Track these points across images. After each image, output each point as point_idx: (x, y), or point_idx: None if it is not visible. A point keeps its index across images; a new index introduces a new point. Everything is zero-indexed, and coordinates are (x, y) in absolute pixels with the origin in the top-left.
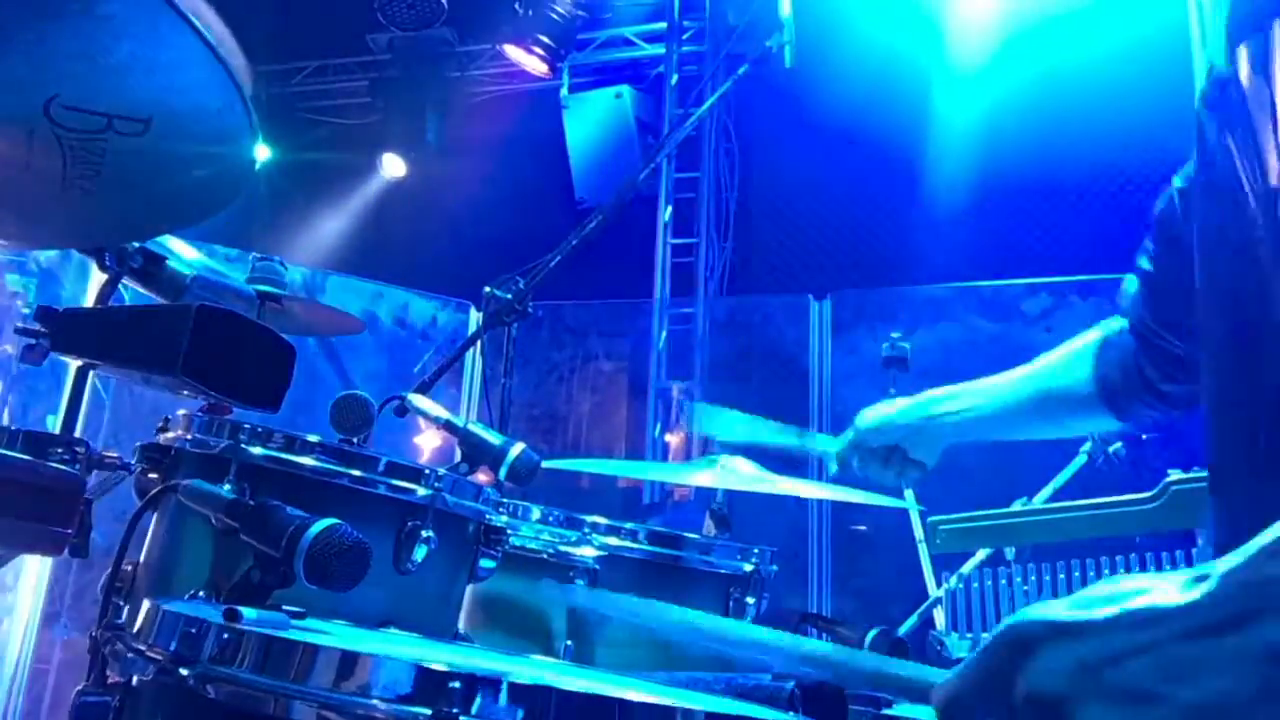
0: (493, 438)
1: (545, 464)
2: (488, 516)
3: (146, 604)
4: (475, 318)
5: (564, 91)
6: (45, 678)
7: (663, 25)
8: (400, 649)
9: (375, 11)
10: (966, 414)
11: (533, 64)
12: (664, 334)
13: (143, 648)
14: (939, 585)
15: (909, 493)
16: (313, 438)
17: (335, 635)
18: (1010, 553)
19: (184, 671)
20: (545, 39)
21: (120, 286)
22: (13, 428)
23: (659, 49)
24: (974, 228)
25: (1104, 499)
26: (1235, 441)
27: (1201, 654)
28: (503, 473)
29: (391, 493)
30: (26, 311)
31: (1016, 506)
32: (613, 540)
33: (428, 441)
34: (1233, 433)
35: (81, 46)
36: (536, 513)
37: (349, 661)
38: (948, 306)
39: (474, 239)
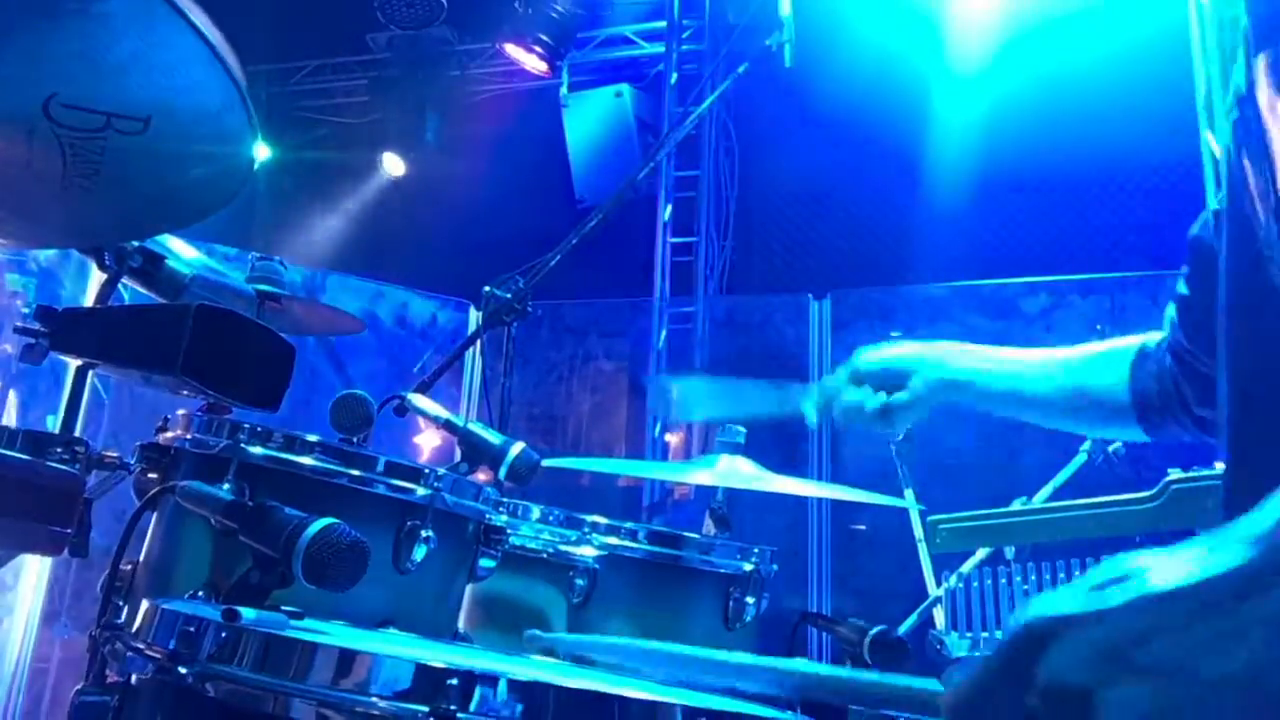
0: (492, 437)
1: (545, 463)
2: (487, 516)
3: (145, 603)
4: (475, 317)
5: (564, 90)
6: (45, 677)
7: (662, 24)
8: (399, 648)
9: (375, 11)
10: (983, 378)
11: (532, 63)
12: (664, 333)
13: (142, 646)
14: (939, 585)
15: (909, 493)
16: (312, 437)
17: (334, 635)
18: (1010, 552)
19: (183, 670)
20: (545, 37)
21: (120, 286)
22: (13, 427)
23: (659, 48)
24: (974, 227)
25: (1104, 498)
26: (1256, 458)
27: (1224, 625)
28: (502, 472)
29: (391, 492)
30: (26, 311)
31: (1016, 506)
32: (613, 540)
33: (427, 441)
34: (1254, 449)
35: (81, 45)
36: (536, 512)
37: (348, 659)
38: (947, 306)
39: (474, 238)
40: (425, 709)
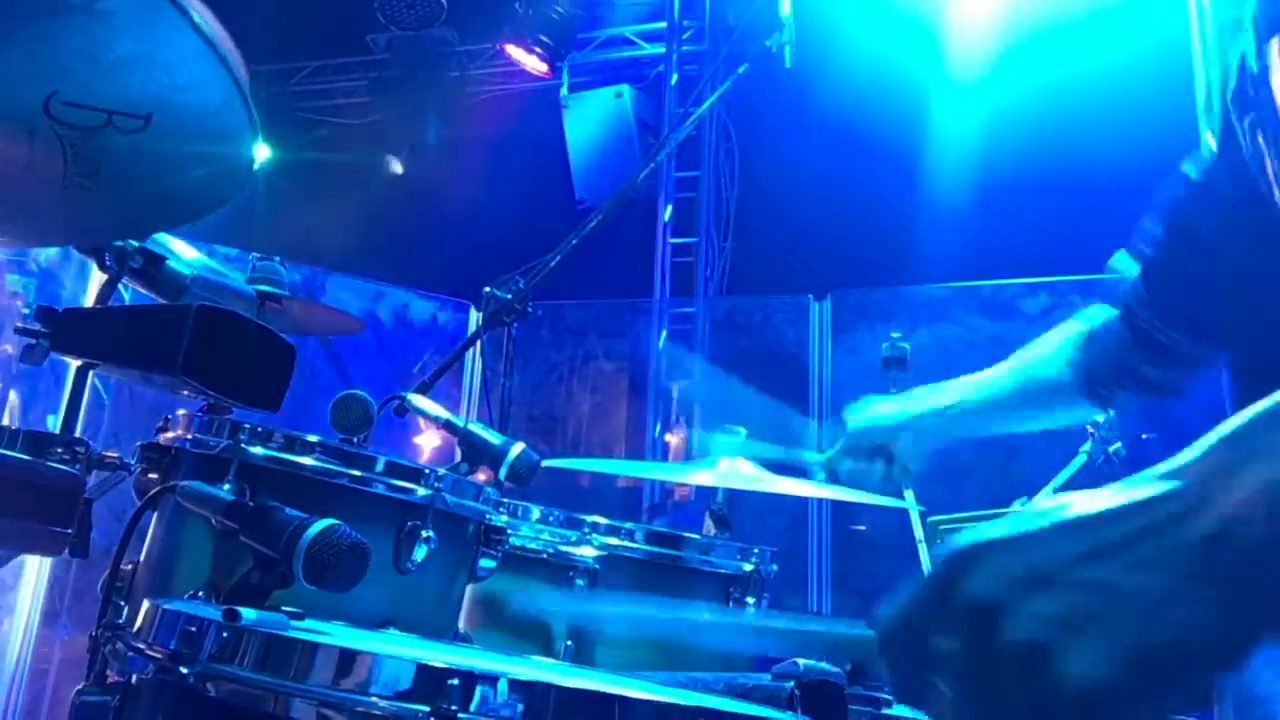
0: (493, 438)
1: (545, 464)
2: (488, 516)
3: (146, 603)
4: (475, 318)
5: (564, 91)
6: (45, 677)
7: (663, 25)
8: (400, 648)
9: (375, 11)
10: (953, 408)
11: (533, 63)
12: (664, 334)
13: (142, 646)
14: None
15: (909, 493)
16: (313, 438)
17: (334, 636)
18: None
19: (184, 670)
20: (545, 38)
21: (120, 286)
22: (13, 428)
23: (659, 48)
24: (974, 228)
25: None
26: None
27: (1138, 551)
28: (503, 473)
29: (391, 492)
30: (26, 311)
31: (1016, 506)
32: (613, 540)
33: (428, 441)
34: None
35: (82, 43)
36: (536, 513)
37: (348, 659)
38: (947, 306)
39: (474, 239)
40: (426, 709)
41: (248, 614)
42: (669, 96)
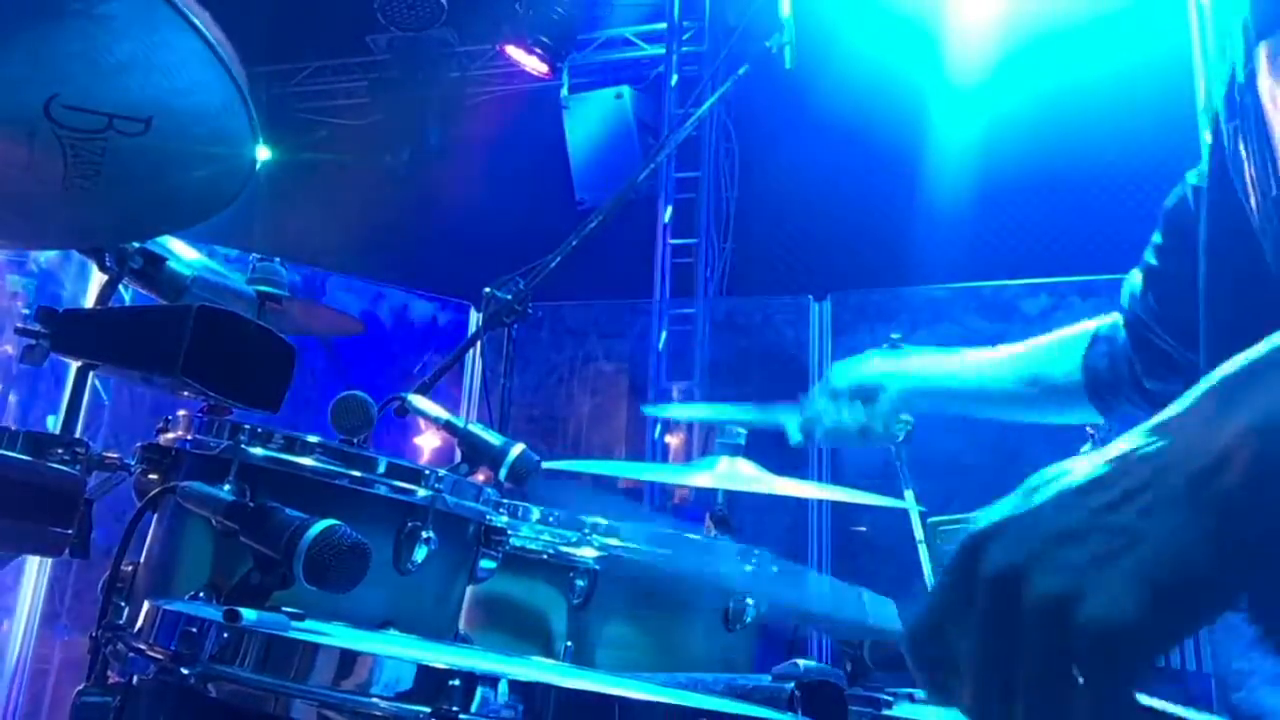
0: (493, 438)
1: (545, 465)
2: (488, 517)
3: (147, 604)
4: (475, 318)
5: (564, 92)
6: (45, 678)
7: (663, 26)
8: (400, 649)
9: (375, 12)
10: (948, 379)
11: (533, 64)
12: (664, 334)
13: (143, 647)
14: None
15: (909, 493)
16: (313, 438)
17: (335, 636)
18: None
19: (185, 671)
20: (545, 39)
21: (120, 287)
22: (13, 428)
23: (659, 49)
24: (974, 228)
25: None
26: None
27: (1137, 504)
28: (503, 473)
29: (392, 493)
30: (26, 312)
31: None
32: (613, 540)
33: (428, 442)
34: None
35: (82, 46)
36: (536, 513)
37: (349, 660)
38: (947, 307)
39: (474, 239)
40: (427, 709)
41: (248, 615)
42: (669, 97)
